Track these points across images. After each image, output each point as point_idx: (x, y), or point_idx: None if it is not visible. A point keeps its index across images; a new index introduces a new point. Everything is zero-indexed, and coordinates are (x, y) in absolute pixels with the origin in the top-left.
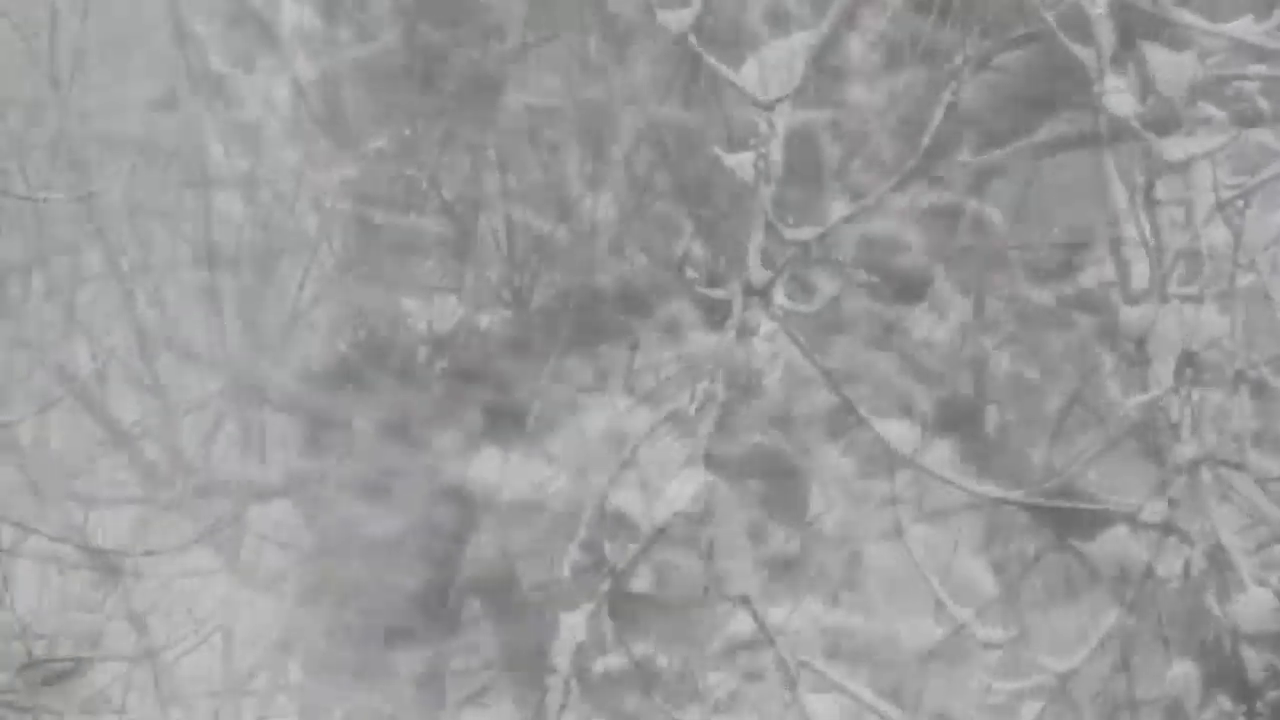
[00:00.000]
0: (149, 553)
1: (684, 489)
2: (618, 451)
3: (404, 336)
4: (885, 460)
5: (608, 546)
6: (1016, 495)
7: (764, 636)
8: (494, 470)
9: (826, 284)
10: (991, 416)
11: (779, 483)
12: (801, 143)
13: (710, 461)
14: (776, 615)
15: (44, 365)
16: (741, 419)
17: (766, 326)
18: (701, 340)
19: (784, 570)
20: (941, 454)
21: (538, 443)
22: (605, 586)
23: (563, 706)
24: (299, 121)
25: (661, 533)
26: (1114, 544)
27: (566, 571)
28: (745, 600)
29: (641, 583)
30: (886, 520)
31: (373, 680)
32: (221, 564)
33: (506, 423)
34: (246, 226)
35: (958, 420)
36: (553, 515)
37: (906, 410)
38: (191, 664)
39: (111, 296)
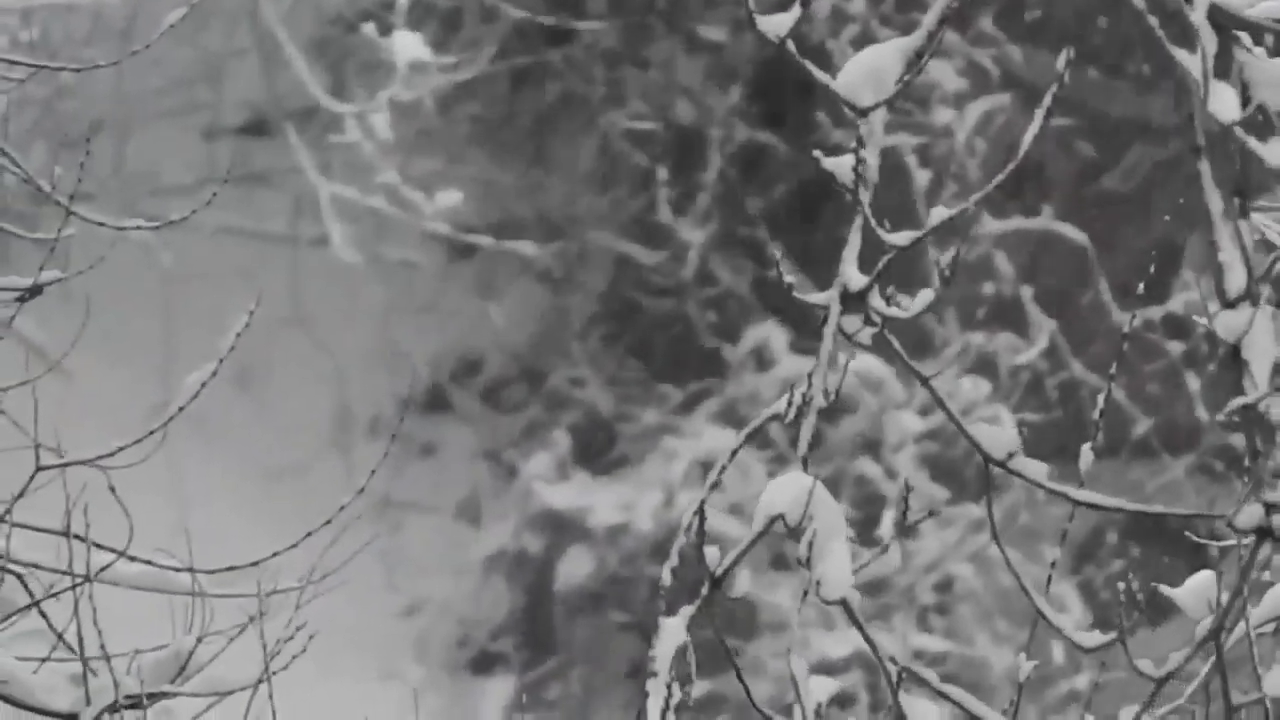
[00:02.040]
0: (231, 567)
1: (784, 493)
2: (705, 475)
3: (497, 361)
4: (977, 484)
5: (707, 551)
6: (1116, 502)
7: (865, 640)
8: (583, 494)
9: (923, 290)
10: (1086, 455)
11: (867, 506)
12: (890, 167)
13: (807, 465)
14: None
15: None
16: (831, 441)
17: (865, 332)
18: (793, 365)
19: (873, 593)
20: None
21: (627, 467)
22: (704, 590)
23: (664, 711)
24: (398, 146)
25: (761, 537)
26: (1205, 567)
27: (667, 578)
28: (844, 604)
29: (740, 586)
30: (975, 545)
31: (466, 703)
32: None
33: (596, 447)
34: (343, 251)
35: (1049, 446)
36: (640, 538)
37: None
38: (283, 687)
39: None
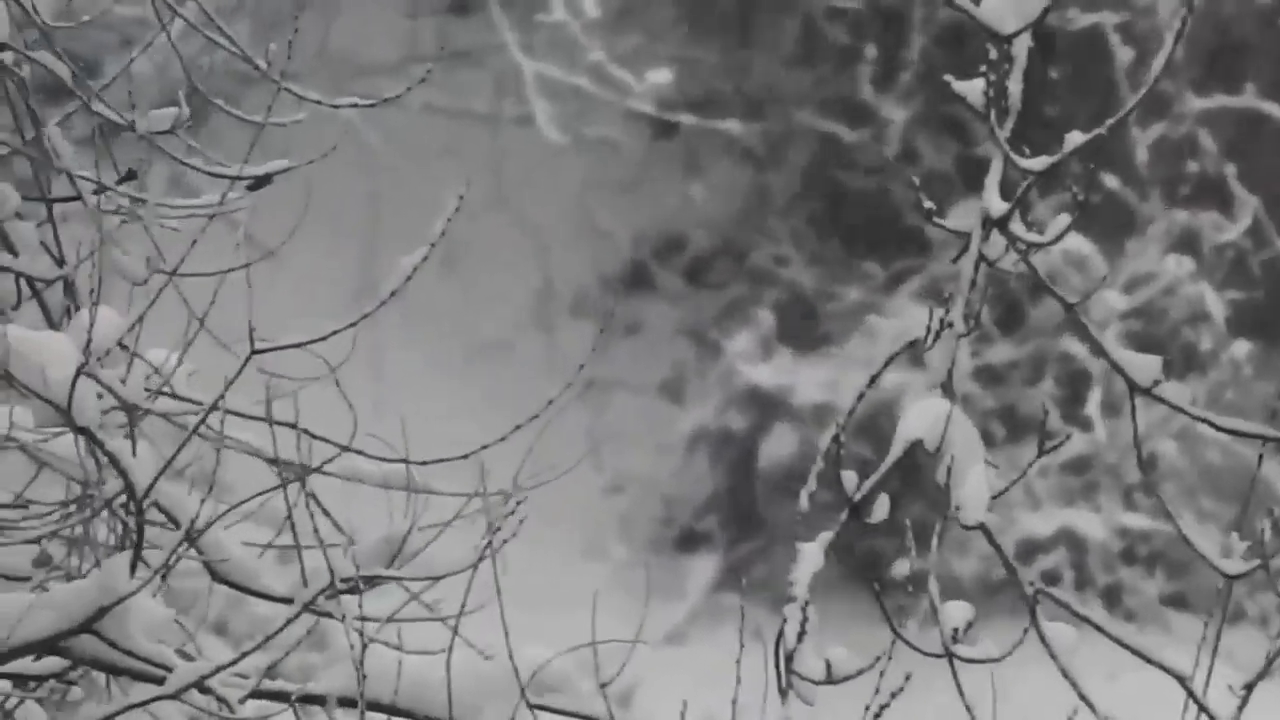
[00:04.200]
0: (441, 459)
1: (922, 418)
2: (911, 354)
3: (700, 239)
4: (1182, 362)
5: (845, 476)
6: (1255, 428)
7: (1002, 562)
8: (787, 372)
9: (1059, 215)
10: None
11: (1071, 385)
12: (1091, 45)
13: (948, 390)
14: (1071, 517)
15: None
16: (1034, 320)
17: (1008, 259)
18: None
19: (1079, 471)
20: (1240, 353)
21: (830, 345)
22: (842, 516)
23: (801, 634)
24: (603, 24)
25: (898, 463)
26: None
27: (804, 503)
28: (983, 528)
29: (879, 512)
30: (1181, 422)
31: (670, 580)
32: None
33: (800, 325)
34: (547, 130)
35: (1253, 323)
36: (843, 415)
37: (1201, 316)
38: (488, 568)
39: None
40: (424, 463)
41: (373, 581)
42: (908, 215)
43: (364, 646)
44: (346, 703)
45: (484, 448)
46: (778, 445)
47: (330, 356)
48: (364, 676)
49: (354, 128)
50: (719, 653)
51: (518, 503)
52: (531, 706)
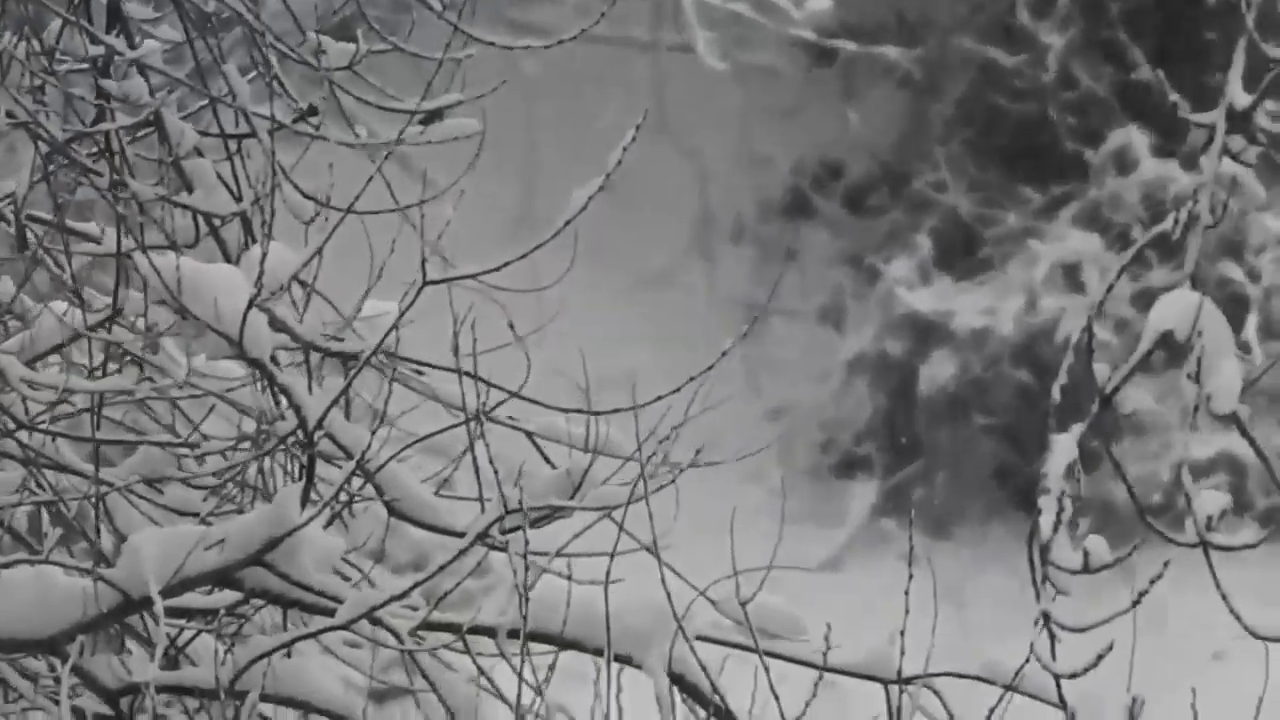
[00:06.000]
0: (616, 410)
1: (1172, 310)
2: (1066, 278)
3: (858, 166)
4: None
5: (1097, 368)
6: None
7: (1256, 454)
8: (945, 298)
9: None
10: None
11: (1229, 309)
12: None
13: (1197, 282)
14: (1230, 440)
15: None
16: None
17: (1250, 151)
18: (1155, 168)
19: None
20: None
21: (989, 270)
22: (1094, 408)
23: (1056, 524)
24: None
25: (1149, 354)
26: None
27: (1056, 395)
28: (1235, 419)
29: (1127, 405)
30: None
31: (830, 505)
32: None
33: (958, 251)
34: (706, 56)
35: None
36: (1003, 341)
37: None
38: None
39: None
40: (598, 413)
41: (548, 514)
42: (1065, 140)
43: (567, 580)
44: (516, 635)
45: (658, 399)
46: (937, 370)
47: (492, 282)
48: (568, 605)
49: (513, 56)
50: (877, 579)
51: (697, 451)
52: (695, 638)
